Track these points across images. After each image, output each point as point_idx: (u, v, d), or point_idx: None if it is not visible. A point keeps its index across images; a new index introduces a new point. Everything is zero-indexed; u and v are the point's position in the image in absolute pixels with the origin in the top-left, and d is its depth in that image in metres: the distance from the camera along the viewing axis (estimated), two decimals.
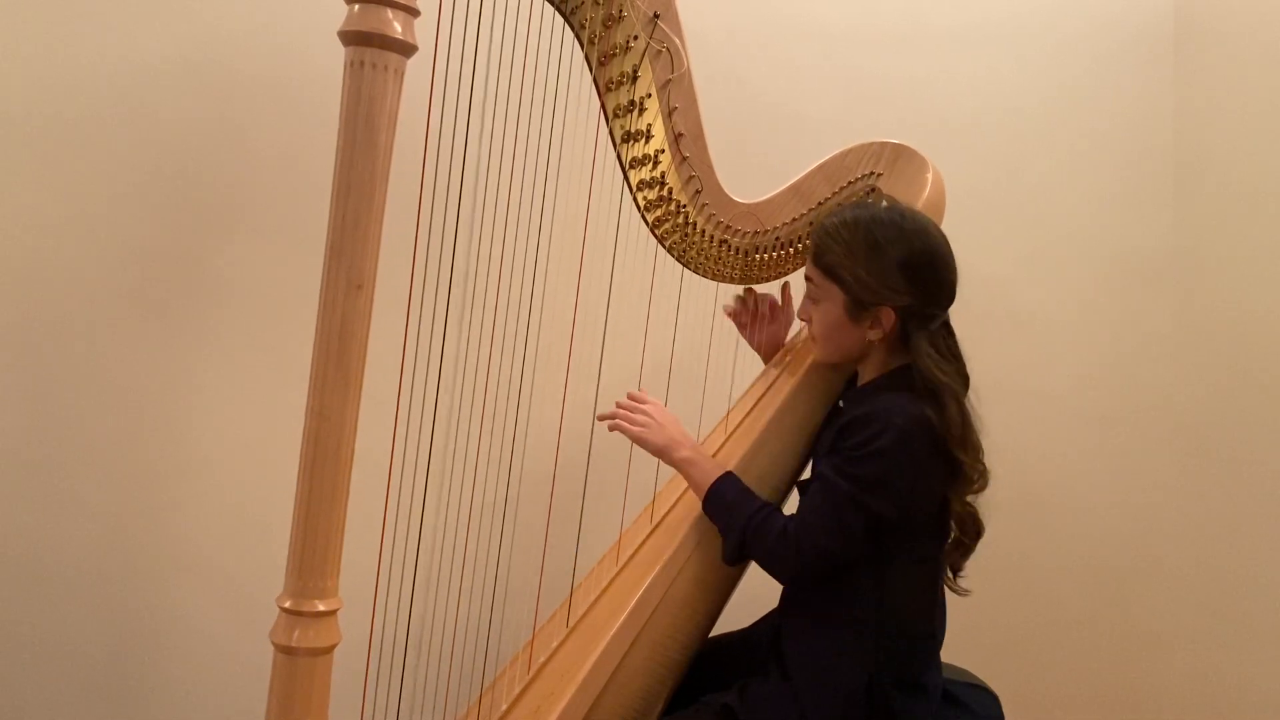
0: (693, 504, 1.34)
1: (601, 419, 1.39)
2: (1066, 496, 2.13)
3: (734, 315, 1.58)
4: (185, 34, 1.72)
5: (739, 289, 1.57)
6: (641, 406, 1.37)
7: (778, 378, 1.49)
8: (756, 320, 1.57)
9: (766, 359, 1.59)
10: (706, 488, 1.29)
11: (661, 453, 1.34)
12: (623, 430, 1.36)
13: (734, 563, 1.29)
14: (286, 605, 0.97)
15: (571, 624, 1.32)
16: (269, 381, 1.76)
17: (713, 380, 1.59)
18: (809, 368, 1.44)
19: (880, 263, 1.22)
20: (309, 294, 0.97)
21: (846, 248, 1.24)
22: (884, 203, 1.30)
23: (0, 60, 1.63)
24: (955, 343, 1.27)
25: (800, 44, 2.04)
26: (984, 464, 1.21)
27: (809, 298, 1.33)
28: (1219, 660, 2.00)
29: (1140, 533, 2.14)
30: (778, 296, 1.59)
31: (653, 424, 1.35)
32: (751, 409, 1.46)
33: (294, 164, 1.75)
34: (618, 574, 1.34)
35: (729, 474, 1.30)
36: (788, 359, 1.52)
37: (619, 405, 1.39)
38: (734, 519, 1.26)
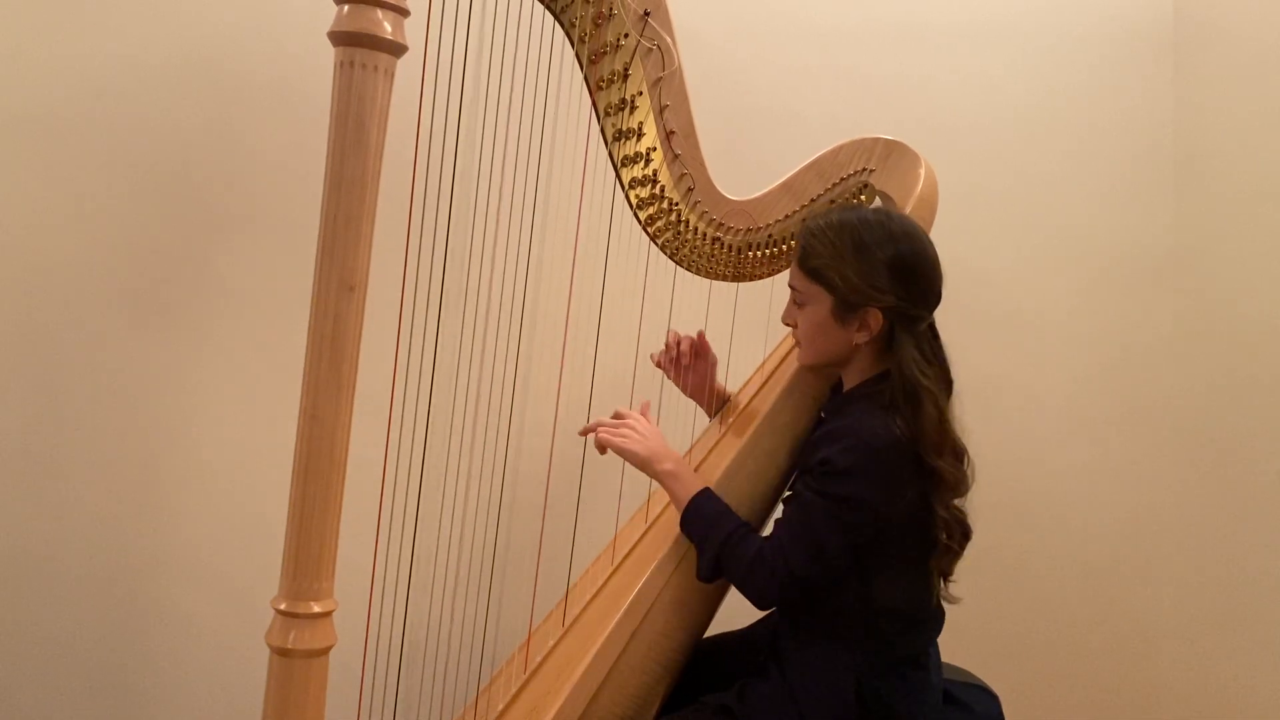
0: None
1: (583, 433, 1.37)
2: (1066, 496, 2.13)
3: (659, 363, 1.55)
4: (182, 35, 1.73)
5: (732, 286, 1.56)
6: (625, 420, 1.36)
7: (763, 385, 1.48)
8: (678, 365, 1.53)
9: (699, 400, 1.56)
10: (685, 502, 1.28)
11: (645, 464, 1.32)
12: (606, 440, 1.33)
13: (709, 579, 1.27)
14: (282, 607, 0.97)
15: (568, 623, 1.32)
16: (267, 382, 1.76)
17: None
18: (794, 375, 1.42)
19: (867, 263, 1.21)
20: (307, 295, 0.97)
21: (833, 249, 1.23)
22: (871, 205, 1.29)
23: (0, 61, 1.65)
24: (940, 346, 1.27)
25: (794, 41, 2.04)
26: (964, 469, 1.21)
27: (794, 302, 1.32)
28: (1218, 660, 1.98)
29: (1140, 532, 2.13)
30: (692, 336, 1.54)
31: (635, 435, 1.33)
32: (734, 421, 1.45)
33: (291, 165, 1.75)
34: (613, 573, 1.34)
35: (707, 489, 1.29)
36: (774, 366, 1.51)
37: (600, 421, 1.37)
38: (711, 535, 1.25)
